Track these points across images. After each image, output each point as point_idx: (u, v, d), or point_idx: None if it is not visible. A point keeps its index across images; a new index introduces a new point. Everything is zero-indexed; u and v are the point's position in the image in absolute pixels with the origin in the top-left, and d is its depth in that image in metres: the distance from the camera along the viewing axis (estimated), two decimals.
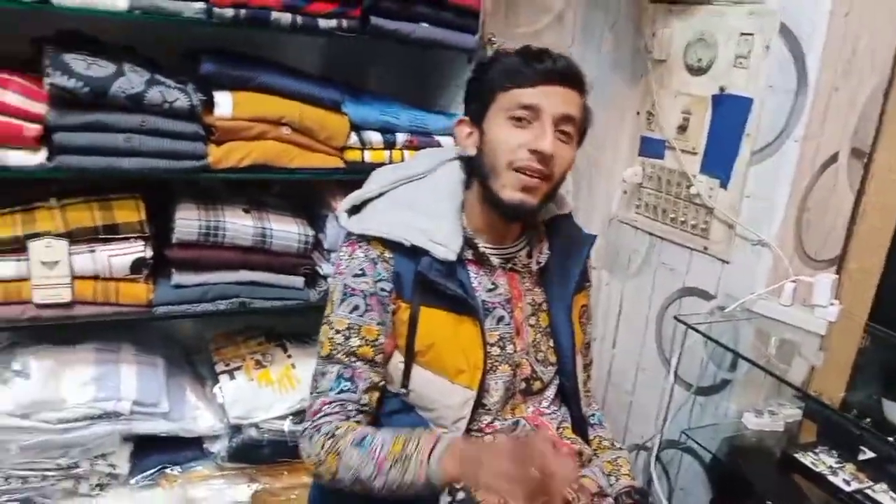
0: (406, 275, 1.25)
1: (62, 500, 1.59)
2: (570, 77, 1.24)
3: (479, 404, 1.27)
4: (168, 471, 1.69)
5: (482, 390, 1.27)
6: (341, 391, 1.23)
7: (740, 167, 1.76)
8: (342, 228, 1.33)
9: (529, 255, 1.37)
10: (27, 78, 1.39)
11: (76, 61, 1.36)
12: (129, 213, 1.52)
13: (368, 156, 1.69)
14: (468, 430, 1.26)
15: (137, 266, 1.53)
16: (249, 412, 1.72)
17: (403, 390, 1.28)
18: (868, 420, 1.39)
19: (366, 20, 1.54)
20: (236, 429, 1.73)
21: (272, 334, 1.93)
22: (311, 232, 1.70)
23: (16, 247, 1.44)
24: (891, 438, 1.40)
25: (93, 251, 1.50)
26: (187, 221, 1.56)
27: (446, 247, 1.24)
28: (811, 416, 1.80)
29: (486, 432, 1.28)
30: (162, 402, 1.64)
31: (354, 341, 1.24)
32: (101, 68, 1.38)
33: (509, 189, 1.23)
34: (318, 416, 1.22)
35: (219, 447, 1.73)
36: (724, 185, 1.80)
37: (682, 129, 1.90)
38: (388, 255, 1.26)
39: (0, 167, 1.36)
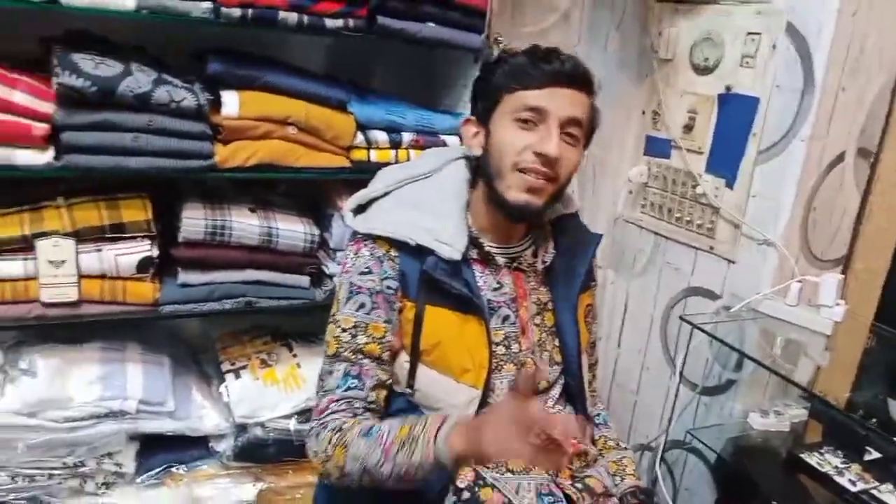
0: (411, 274, 1.25)
1: (68, 499, 1.60)
2: (577, 78, 1.22)
3: (484, 403, 1.26)
4: (174, 470, 1.69)
5: (487, 389, 1.26)
6: (348, 388, 1.23)
7: (746, 167, 1.75)
8: (348, 227, 1.33)
9: (535, 255, 1.37)
10: (35, 77, 1.39)
11: (84, 61, 1.36)
12: (136, 212, 1.53)
13: (374, 155, 1.69)
14: None
15: (144, 265, 1.54)
16: (255, 411, 1.73)
17: (409, 390, 1.27)
18: (874, 420, 1.39)
19: (372, 20, 1.54)
20: (242, 428, 1.73)
21: (278, 333, 1.93)
22: (316, 231, 1.70)
23: (23, 246, 1.45)
24: None
25: (99, 250, 1.50)
26: (194, 221, 1.56)
27: (451, 246, 1.24)
28: (817, 417, 1.79)
29: None
30: (168, 401, 1.64)
31: (361, 339, 1.24)
32: (108, 68, 1.38)
33: (514, 190, 1.22)
34: (325, 413, 1.21)
35: (224, 446, 1.74)
36: (730, 185, 1.80)
37: (688, 128, 1.90)
38: (393, 253, 1.26)
39: (8, 166, 1.36)
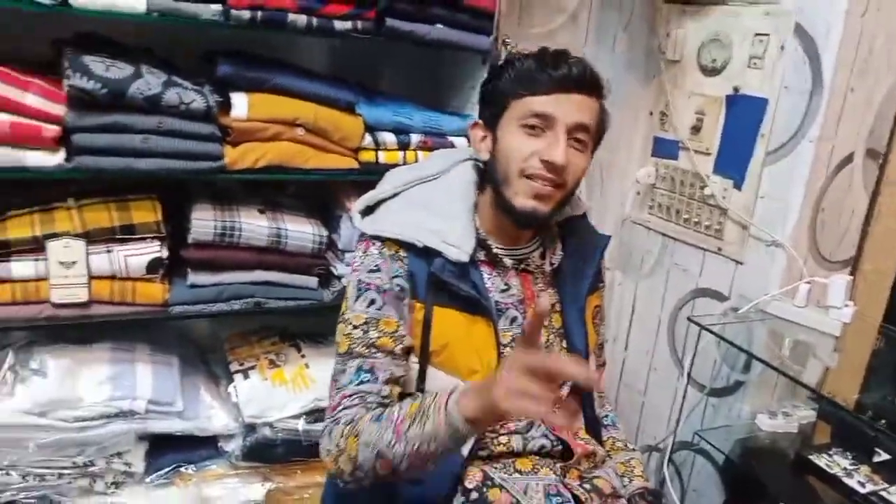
0: (420, 274, 1.25)
1: (78, 498, 1.61)
2: (585, 83, 1.21)
3: None
4: (183, 469, 1.70)
5: None
6: (361, 382, 1.20)
7: (754, 168, 1.75)
8: (356, 229, 1.33)
9: (543, 256, 1.37)
10: (47, 80, 1.40)
11: (95, 63, 1.37)
12: (146, 213, 1.54)
13: (382, 157, 1.69)
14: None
15: (154, 266, 1.54)
16: (263, 411, 1.73)
17: (419, 393, 1.26)
18: (883, 421, 1.39)
19: (381, 22, 1.54)
20: (250, 428, 1.74)
21: (286, 334, 1.94)
22: (325, 232, 1.71)
23: (34, 247, 1.46)
24: None
25: (110, 251, 1.51)
26: (203, 222, 1.57)
27: (459, 248, 1.24)
28: (825, 418, 1.79)
29: (501, 433, 1.27)
30: (177, 401, 1.65)
31: (373, 334, 1.22)
32: (119, 70, 1.39)
33: (522, 196, 1.22)
34: (338, 409, 1.19)
35: (233, 446, 1.74)
36: (738, 186, 1.80)
37: (696, 129, 1.90)
38: (402, 254, 1.25)
39: (19, 168, 1.37)
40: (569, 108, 1.19)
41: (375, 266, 1.25)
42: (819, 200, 1.70)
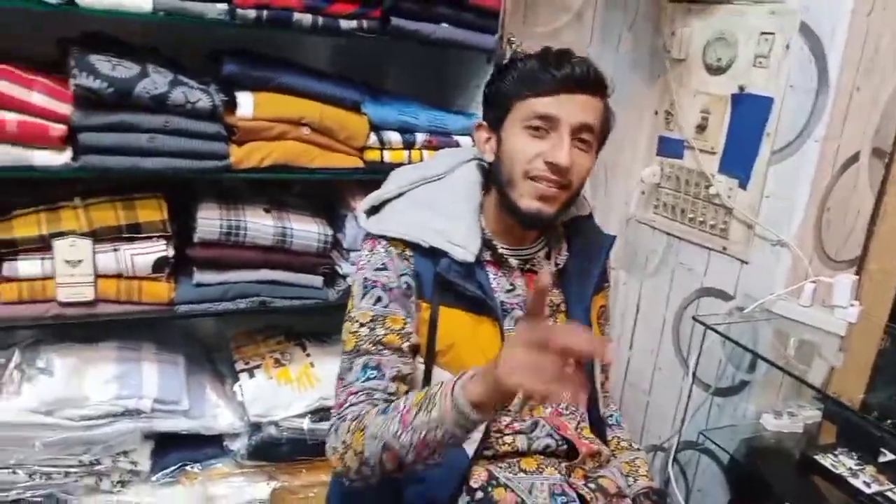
0: (425, 274, 1.25)
1: (84, 497, 1.61)
2: (589, 83, 1.20)
3: None
4: (188, 468, 1.71)
5: None
6: (367, 379, 1.20)
7: (760, 167, 1.75)
8: (361, 228, 1.33)
9: (548, 257, 1.37)
10: (53, 79, 1.41)
11: (101, 62, 1.37)
12: (152, 212, 1.54)
13: (388, 156, 1.69)
14: (486, 431, 1.25)
15: (160, 265, 1.55)
16: (269, 410, 1.73)
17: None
18: (888, 421, 1.38)
19: (386, 21, 1.54)
20: (256, 427, 1.74)
21: (291, 333, 1.94)
22: (330, 231, 1.71)
23: (40, 245, 1.46)
24: None
25: (116, 250, 1.51)
26: (209, 221, 1.57)
27: (465, 248, 1.24)
28: (831, 418, 1.78)
29: (506, 433, 1.28)
30: (182, 399, 1.65)
31: (380, 331, 1.22)
32: (125, 69, 1.39)
33: (526, 198, 1.22)
34: (344, 406, 1.19)
35: (238, 445, 1.74)
36: (743, 185, 1.79)
37: (701, 128, 1.89)
38: (408, 253, 1.26)
39: (26, 167, 1.37)
40: (572, 108, 1.19)
41: (382, 264, 1.25)
42: (825, 200, 1.70)
